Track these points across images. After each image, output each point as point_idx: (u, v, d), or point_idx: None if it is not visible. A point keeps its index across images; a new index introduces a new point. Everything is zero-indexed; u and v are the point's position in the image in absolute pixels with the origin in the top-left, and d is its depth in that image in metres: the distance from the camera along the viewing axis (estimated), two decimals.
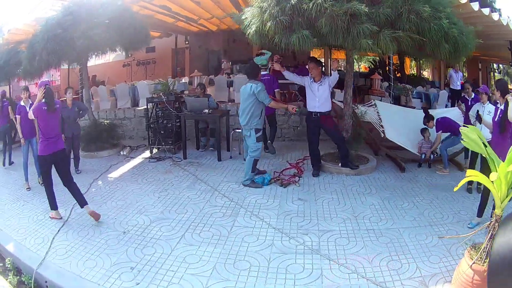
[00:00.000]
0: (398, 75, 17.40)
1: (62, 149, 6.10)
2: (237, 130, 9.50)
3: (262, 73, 8.65)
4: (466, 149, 8.90)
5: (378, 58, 20.45)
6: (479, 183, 7.36)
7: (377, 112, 9.19)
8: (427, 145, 9.21)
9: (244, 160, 8.41)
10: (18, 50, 11.50)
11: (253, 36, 6.89)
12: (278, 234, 5.48)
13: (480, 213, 6.15)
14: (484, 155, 4.34)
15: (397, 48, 6.26)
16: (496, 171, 3.85)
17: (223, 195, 6.89)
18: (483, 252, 3.87)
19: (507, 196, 3.93)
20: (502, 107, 6.01)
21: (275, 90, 9.48)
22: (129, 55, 17.77)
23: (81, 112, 8.71)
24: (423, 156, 9.15)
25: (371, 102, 9.81)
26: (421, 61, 24.62)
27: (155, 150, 9.71)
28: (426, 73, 28.94)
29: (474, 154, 7.41)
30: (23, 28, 11.75)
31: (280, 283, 4.29)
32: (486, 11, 9.25)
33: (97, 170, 8.55)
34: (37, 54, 8.89)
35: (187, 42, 19.55)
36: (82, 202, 5.99)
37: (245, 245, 5.16)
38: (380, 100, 10.52)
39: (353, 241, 5.34)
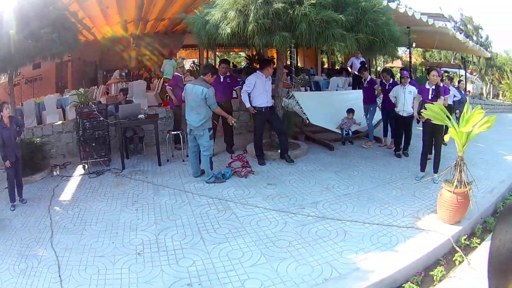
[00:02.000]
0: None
1: None
2: (173, 132, 9.75)
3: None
4: (385, 128, 10.77)
5: (249, 53, 21.30)
6: (404, 149, 9.62)
7: (297, 102, 10.12)
8: (349, 123, 10.69)
9: (183, 161, 9.13)
10: None
11: (228, 36, 7.16)
12: (282, 213, 6.20)
13: (423, 169, 8.06)
14: (446, 124, 6.20)
15: (356, 48, 7.35)
16: (457, 133, 5.88)
17: (199, 195, 7.07)
18: (457, 181, 5.81)
19: (465, 144, 5.97)
20: (433, 87, 7.92)
21: (235, 89, 9.89)
22: (18, 73, 16.48)
23: (18, 128, 7.53)
24: (344, 133, 10.66)
25: (290, 95, 10.69)
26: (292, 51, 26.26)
27: (86, 166, 8.96)
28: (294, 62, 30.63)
29: (398, 129, 9.59)
30: None
31: (324, 245, 5.19)
32: (393, 5, 10.66)
33: (43, 197, 7.62)
34: None
35: (69, 55, 18.23)
36: None
37: (265, 229, 5.66)
38: (288, 92, 11.40)
39: (342, 205, 6.58)
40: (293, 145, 9.94)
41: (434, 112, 6.19)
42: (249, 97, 8.85)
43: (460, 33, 38.26)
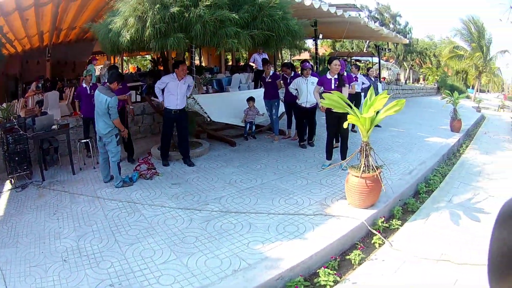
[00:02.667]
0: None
1: None
2: (82, 141, 9.77)
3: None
4: (289, 120, 11.18)
5: (154, 56, 21.23)
6: (309, 140, 9.89)
7: (198, 104, 10.20)
8: (252, 113, 10.86)
9: (94, 168, 9.21)
10: None
11: (128, 43, 7.30)
12: (187, 211, 6.40)
13: (329, 157, 8.43)
14: (346, 112, 6.40)
15: (251, 44, 7.56)
16: (358, 118, 6.11)
17: (109, 199, 7.24)
18: (364, 166, 5.98)
19: (370, 128, 6.14)
20: (335, 77, 8.15)
21: (127, 95, 9.75)
22: None
23: None
24: (247, 127, 10.88)
25: (191, 97, 10.84)
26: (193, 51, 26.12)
27: (13, 180, 8.87)
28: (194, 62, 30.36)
29: (300, 120, 9.78)
30: None
31: (230, 238, 5.38)
32: None
33: None
34: None
35: None
36: None
37: (172, 227, 5.85)
38: None
39: (246, 198, 6.81)
40: (195, 144, 10.18)
41: (333, 100, 6.42)
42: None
43: (375, 22, 39.55)
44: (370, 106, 6.05)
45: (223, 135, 11.24)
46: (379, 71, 28.19)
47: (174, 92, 8.79)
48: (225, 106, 11.24)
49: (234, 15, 7.01)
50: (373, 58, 31.06)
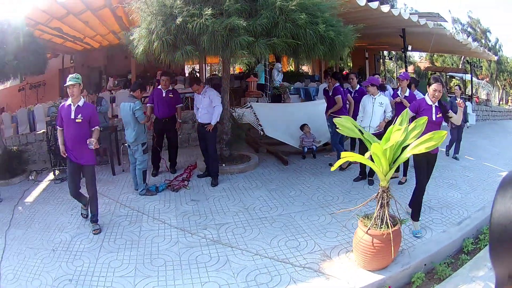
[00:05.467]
0: None
1: None
2: (126, 144, 9.57)
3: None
4: (352, 140, 9.47)
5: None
6: (370, 176, 7.90)
7: (254, 113, 9.52)
8: (308, 140, 9.81)
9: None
10: None
11: (141, 55, 6.97)
12: (181, 232, 5.99)
13: (416, 216, 5.70)
14: (360, 138, 4.94)
15: (271, 53, 6.89)
16: (378, 159, 4.41)
17: (124, 206, 7.15)
18: (377, 219, 4.42)
19: (390, 170, 4.46)
20: (436, 104, 5.64)
21: (177, 106, 9.10)
22: (23, 79, 17.07)
23: None
24: (305, 150, 9.71)
25: (247, 105, 10.23)
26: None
27: (57, 172, 9.35)
28: (305, 68, 29.51)
29: (362, 148, 7.04)
30: None
31: (194, 271, 4.80)
32: (374, 5, 10.08)
33: (15, 197, 8.19)
34: None
35: (72, 61, 18.85)
36: None
37: (155, 245, 5.58)
38: (257, 101, 10.92)
39: (248, 229, 5.97)
40: (244, 157, 9.41)
41: (346, 127, 4.84)
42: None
43: (468, 36, 36.82)
44: (387, 139, 4.36)
45: (278, 151, 10.09)
46: (471, 89, 26.13)
47: (198, 105, 8.40)
48: (282, 119, 10.35)
49: (242, 22, 6.15)
50: (466, 75, 28.50)
